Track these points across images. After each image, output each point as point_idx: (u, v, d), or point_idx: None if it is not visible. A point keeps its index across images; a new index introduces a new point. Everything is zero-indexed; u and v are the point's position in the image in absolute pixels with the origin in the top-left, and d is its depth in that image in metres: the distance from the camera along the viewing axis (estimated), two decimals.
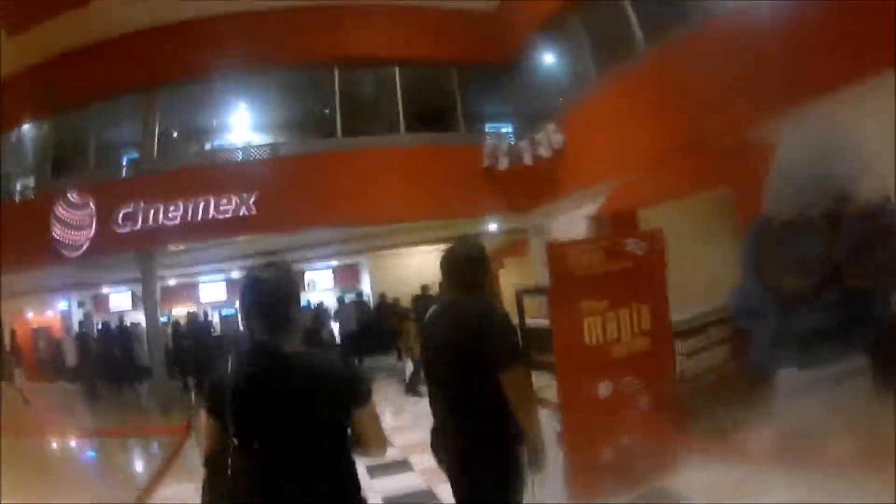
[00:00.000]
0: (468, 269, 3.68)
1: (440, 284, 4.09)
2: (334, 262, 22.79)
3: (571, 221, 13.26)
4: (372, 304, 20.59)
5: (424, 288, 16.81)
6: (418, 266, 19.63)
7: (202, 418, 2.73)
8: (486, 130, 16.18)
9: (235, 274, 22.08)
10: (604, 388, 6.11)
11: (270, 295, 2.69)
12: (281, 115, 16.20)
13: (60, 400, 18.70)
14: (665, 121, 10.02)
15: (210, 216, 14.16)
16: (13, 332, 18.57)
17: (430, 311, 4.00)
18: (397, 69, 15.47)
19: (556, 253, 6.05)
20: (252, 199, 14.04)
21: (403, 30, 15.20)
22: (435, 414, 3.76)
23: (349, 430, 2.69)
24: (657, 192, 10.10)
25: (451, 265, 3.76)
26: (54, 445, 13.14)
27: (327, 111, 15.50)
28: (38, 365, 22.58)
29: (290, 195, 14.05)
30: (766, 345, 6.52)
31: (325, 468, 2.60)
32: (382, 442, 2.83)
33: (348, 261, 22.57)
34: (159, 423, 13.86)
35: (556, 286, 6.02)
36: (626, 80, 11.29)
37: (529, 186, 14.10)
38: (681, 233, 7.96)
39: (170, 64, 15.24)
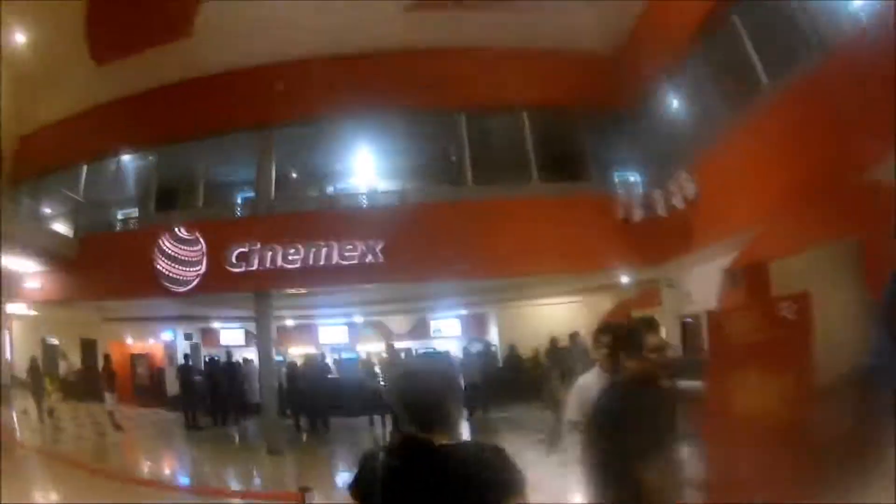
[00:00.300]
0: (627, 345, 3.77)
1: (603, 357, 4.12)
2: (462, 311, 22.37)
3: (705, 275, 12.81)
4: (500, 355, 20.21)
5: (554, 341, 16.52)
6: (548, 317, 19.36)
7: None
8: (616, 179, 15.63)
9: (357, 318, 22.27)
10: (752, 460, 5.75)
11: (426, 391, 2.59)
12: (406, 161, 15.87)
13: (157, 429, 18.53)
14: (793, 164, 9.54)
15: (334, 262, 13.93)
16: (107, 356, 18.33)
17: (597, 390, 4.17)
18: (526, 115, 15.05)
19: (715, 321, 6.01)
20: (379, 247, 13.77)
21: (529, 74, 14.77)
22: (591, 493, 3.76)
23: None
24: (791, 242, 9.50)
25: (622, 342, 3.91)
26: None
27: (453, 158, 15.10)
28: (135, 391, 22.56)
29: (420, 245, 13.68)
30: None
31: None
32: None
33: (476, 311, 22.14)
34: (264, 460, 13.88)
35: (713, 355, 5.88)
36: (753, 123, 10.82)
37: (662, 238, 13.45)
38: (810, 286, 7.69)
39: (288, 103, 14.99)
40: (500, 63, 14.66)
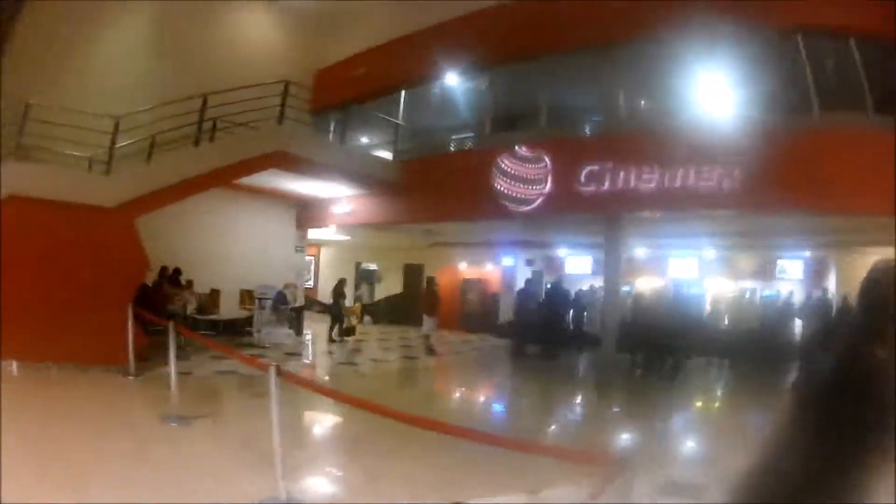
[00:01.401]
0: None
1: None
2: (806, 253, 21.17)
3: None
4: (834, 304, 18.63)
5: None
6: None
7: None
8: None
9: (707, 251, 21.71)
10: None
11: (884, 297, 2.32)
12: (751, 85, 14.68)
13: (479, 355, 18.99)
14: None
15: (690, 184, 13.38)
16: (430, 280, 18.76)
17: None
18: (854, 42, 13.70)
19: None
20: (736, 172, 13.04)
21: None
22: None
23: None
24: None
25: None
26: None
27: (790, 86, 14.17)
28: (462, 316, 23.53)
29: (774, 173, 12.72)
30: None
31: None
32: None
33: (818, 253, 20.88)
34: (590, 394, 13.76)
35: None
36: None
37: None
38: None
39: (631, 20, 14.53)
40: None
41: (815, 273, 20.95)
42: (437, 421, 5.55)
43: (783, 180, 12.68)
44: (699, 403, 13.56)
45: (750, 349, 16.47)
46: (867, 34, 13.63)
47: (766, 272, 21.75)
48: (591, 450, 5.81)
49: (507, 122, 17.26)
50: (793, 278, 21.25)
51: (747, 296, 19.74)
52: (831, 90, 14.18)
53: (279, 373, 5.90)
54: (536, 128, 16.32)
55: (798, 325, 18.73)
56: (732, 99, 14.99)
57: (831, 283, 20.29)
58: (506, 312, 21.41)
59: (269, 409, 5.78)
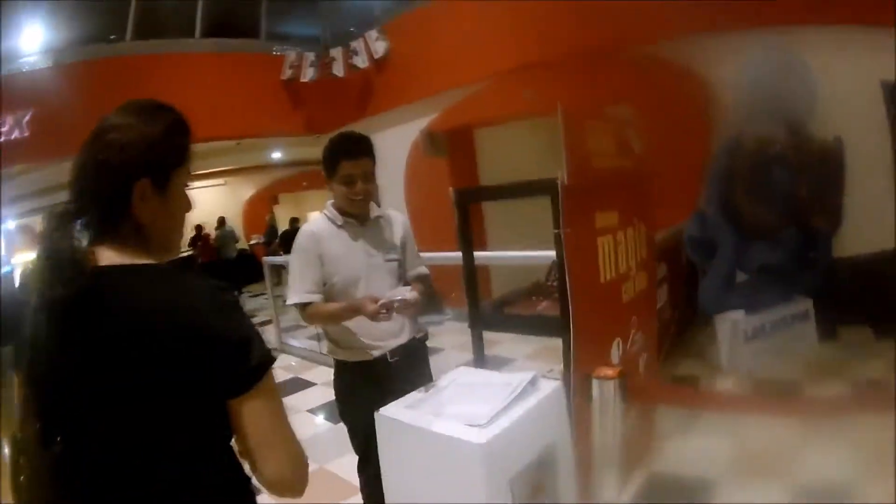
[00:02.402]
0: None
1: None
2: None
3: (394, 137, 11.42)
4: None
5: (221, 221, 15.83)
6: (207, 200, 17.85)
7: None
8: (293, 38, 13.72)
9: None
10: (616, 350, 4.02)
11: (107, 149, 1.49)
12: (64, 23, 13.62)
13: None
14: (517, 30, 8.82)
15: None
16: None
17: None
18: None
19: (574, 129, 3.59)
20: (27, 119, 11.66)
21: None
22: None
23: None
24: (499, 110, 9.42)
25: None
26: None
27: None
28: None
29: (72, 112, 10.94)
30: (718, 283, 6.30)
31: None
32: (291, 463, 1.43)
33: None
34: None
35: (571, 183, 3.43)
36: None
37: (334, 102, 12.37)
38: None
39: None
40: None
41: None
42: None
43: (90, 117, 11.58)
44: None
45: None
46: None
47: None
48: None
49: None
50: None
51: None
52: (160, 17, 13.55)
53: None
54: None
55: None
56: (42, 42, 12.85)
57: None
58: None
59: None
